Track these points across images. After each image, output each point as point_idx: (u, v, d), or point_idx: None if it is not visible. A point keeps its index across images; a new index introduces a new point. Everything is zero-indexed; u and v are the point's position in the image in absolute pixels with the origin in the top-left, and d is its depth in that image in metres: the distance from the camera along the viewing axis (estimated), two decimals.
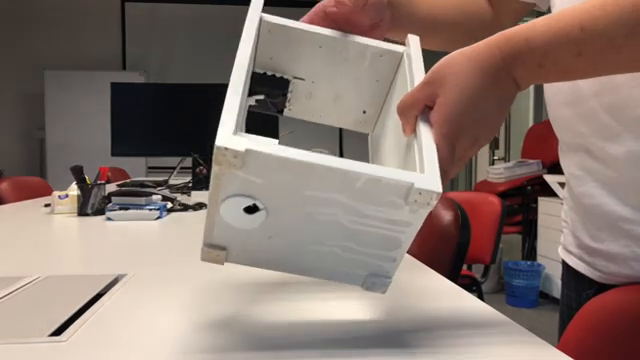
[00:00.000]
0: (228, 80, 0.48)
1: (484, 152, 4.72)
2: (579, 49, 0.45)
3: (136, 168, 4.40)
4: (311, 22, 0.60)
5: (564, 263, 0.73)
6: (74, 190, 1.46)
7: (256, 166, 0.42)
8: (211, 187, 0.44)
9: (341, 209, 0.44)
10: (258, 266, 0.51)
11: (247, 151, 0.41)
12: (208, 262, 0.50)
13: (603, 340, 0.56)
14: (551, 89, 0.68)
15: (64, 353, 0.47)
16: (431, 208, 0.43)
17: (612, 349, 0.55)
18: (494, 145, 4.53)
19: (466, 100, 0.47)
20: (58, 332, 0.51)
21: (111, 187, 2.05)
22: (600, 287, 0.64)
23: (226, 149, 0.40)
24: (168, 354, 0.47)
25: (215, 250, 0.48)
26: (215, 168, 0.42)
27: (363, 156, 0.57)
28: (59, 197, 1.47)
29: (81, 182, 1.45)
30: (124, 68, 5.41)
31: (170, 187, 2.22)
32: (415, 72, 0.55)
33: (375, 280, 0.50)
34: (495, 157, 4.61)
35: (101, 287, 0.68)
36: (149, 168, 4.92)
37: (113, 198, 1.42)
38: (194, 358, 0.46)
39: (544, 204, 3.68)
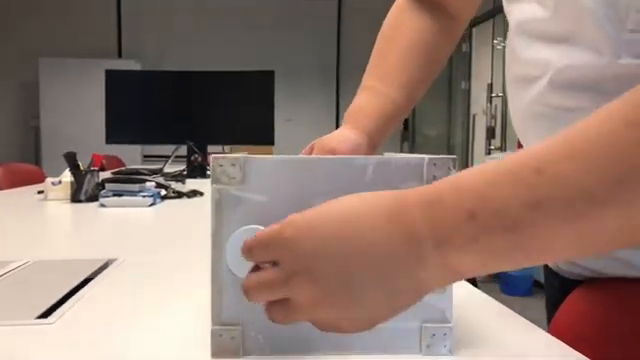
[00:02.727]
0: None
1: (480, 141, 4.72)
2: (536, 197, 0.29)
3: (132, 157, 4.37)
4: None
5: None
6: (67, 177, 1.46)
7: (257, 177, 0.40)
8: (212, 228, 0.40)
9: None
10: (285, 351, 0.42)
11: (245, 158, 0.40)
12: (222, 358, 0.41)
13: (592, 326, 0.56)
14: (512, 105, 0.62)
15: (51, 335, 0.46)
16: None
17: (602, 334, 0.55)
18: (490, 135, 4.53)
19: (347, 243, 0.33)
20: (46, 314, 0.51)
21: (106, 175, 2.04)
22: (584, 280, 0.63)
23: (223, 158, 0.40)
24: (155, 338, 0.47)
25: (228, 330, 0.41)
26: (214, 191, 0.40)
27: None
28: (52, 183, 1.46)
29: (74, 169, 1.44)
30: (120, 56, 5.37)
31: (165, 175, 2.21)
32: None
33: (433, 332, 0.42)
34: (491, 147, 4.61)
35: (91, 271, 0.68)
36: (145, 157, 4.89)
37: (107, 185, 1.42)
38: (180, 341, 0.45)
39: None
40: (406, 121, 5.54)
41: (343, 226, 0.33)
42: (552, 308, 0.66)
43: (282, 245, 0.34)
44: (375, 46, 0.74)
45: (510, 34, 0.60)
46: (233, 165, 0.40)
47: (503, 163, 0.31)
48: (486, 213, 0.30)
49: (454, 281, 0.34)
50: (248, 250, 0.36)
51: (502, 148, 4.57)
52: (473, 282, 2.56)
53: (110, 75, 2.47)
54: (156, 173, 2.24)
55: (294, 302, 0.34)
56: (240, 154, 0.40)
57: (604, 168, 0.28)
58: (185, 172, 2.22)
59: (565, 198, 0.29)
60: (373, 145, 0.68)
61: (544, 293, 0.71)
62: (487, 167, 0.32)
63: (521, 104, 0.57)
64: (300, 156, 0.41)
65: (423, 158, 0.41)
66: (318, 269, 0.33)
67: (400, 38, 0.72)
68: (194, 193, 1.59)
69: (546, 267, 0.68)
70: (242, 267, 0.38)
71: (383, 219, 0.33)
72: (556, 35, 0.50)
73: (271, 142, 2.45)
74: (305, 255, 0.33)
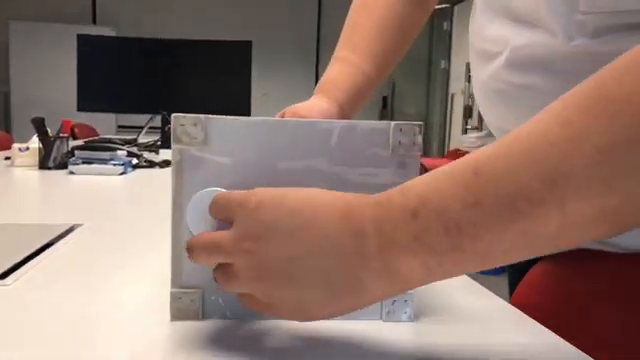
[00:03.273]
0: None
1: (458, 120, 4.76)
2: (473, 196, 0.29)
3: (106, 127, 4.29)
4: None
5: None
6: (35, 143, 1.42)
7: (219, 138, 0.39)
8: (173, 189, 0.39)
9: (324, 182, 0.39)
10: (246, 315, 0.41)
11: (207, 118, 0.39)
12: (181, 320, 0.41)
13: (550, 298, 0.58)
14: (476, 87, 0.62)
15: (7, 296, 0.45)
16: (419, 151, 0.40)
17: (559, 307, 0.57)
18: (467, 114, 4.56)
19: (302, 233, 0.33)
20: (3, 276, 0.50)
21: (78, 143, 2.00)
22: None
23: (185, 117, 0.38)
24: (113, 302, 0.46)
25: (187, 293, 0.41)
26: (175, 152, 0.38)
27: None
28: (19, 149, 1.42)
29: (42, 134, 1.40)
30: (94, 22, 5.21)
31: (139, 145, 2.18)
32: None
33: (394, 298, 0.42)
34: (468, 126, 4.65)
35: (55, 235, 0.66)
36: (119, 127, 4.80)
37: (76, 152, 1.38)
38: (140, 306, 0.45)
39: None
40: (385, 99, 5.54)
41: (303, 209, 0.33)
42: (514, 281, 0.68)
43: (245, 208, 0.34)
44: (348, 16, 0.73)
45: (475, 8, 0.60)
46: (195, 125, 0.39)
47: (448, 166, 0.32)
48: (427, 213, 0.30)
49: (400, 291, 0.33)
50: (215, 204, 0.37)
51: (479, 128, 4.61)
52: None
53: (83, 40, 2.40)
54: (130, 143, 2.20)
55: (235, 268, 0.34)
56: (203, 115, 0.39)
57: (539, 166, 0.28)
58: (159, 142, 2.19)
59: (503, 197, 0.28)
60: (344, 115, 0.67)
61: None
62: (436, 171, 0.32)
63: (481, 80, 0.58)
64: (265, 118, 0.40)
65: (389, 123, 0.40)
66: (267, 242, 0.33)
67: (373, 9, 0.71)
68: (166, 163, 1.56)
69: None
70: (203, 229, 0.38)
71: (338, 213, 0.33)
72: (517, 13, 0.50)
73: (247, 114, 2.43)
74: (261, 223, 0.33)
